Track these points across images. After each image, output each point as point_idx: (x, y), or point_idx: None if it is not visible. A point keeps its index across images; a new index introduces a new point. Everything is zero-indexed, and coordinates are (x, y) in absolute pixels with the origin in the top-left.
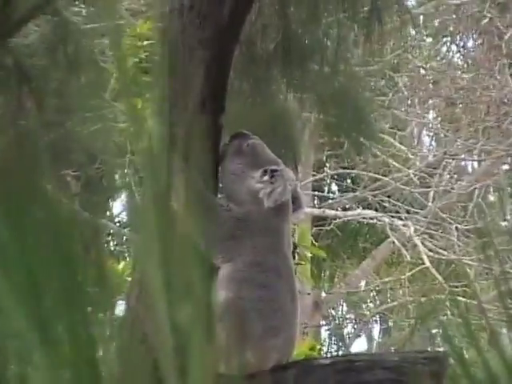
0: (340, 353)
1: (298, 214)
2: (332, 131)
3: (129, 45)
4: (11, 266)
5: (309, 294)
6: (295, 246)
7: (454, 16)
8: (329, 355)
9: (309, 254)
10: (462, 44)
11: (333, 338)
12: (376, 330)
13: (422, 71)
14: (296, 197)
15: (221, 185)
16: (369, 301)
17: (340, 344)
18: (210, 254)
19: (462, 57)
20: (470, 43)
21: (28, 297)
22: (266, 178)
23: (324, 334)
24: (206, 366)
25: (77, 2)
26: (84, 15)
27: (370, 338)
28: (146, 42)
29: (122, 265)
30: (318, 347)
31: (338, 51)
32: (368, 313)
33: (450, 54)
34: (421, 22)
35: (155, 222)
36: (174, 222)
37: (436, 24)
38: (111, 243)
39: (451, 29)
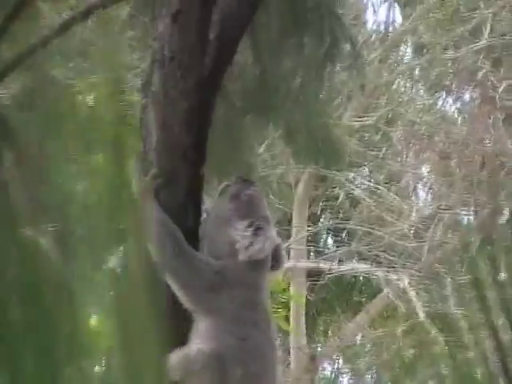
0: None
1: (274, 273)
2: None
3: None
4: None
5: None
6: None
7: (450, 70)
8: None
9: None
10: (456, 97)
11: None
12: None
13: (417, 126)
14: (277, 256)
15: (204, 227)
16: (364, 354)
17: None
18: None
19: (456, 110)
20: (466, 96)
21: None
22: (248, 231)
23: None
24: None
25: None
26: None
27: None
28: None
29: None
30: None
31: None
32: (363, 366)
33: (445, 107)
34: (415, 75)
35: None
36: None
37: (432, 77)
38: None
39: (447, 82)
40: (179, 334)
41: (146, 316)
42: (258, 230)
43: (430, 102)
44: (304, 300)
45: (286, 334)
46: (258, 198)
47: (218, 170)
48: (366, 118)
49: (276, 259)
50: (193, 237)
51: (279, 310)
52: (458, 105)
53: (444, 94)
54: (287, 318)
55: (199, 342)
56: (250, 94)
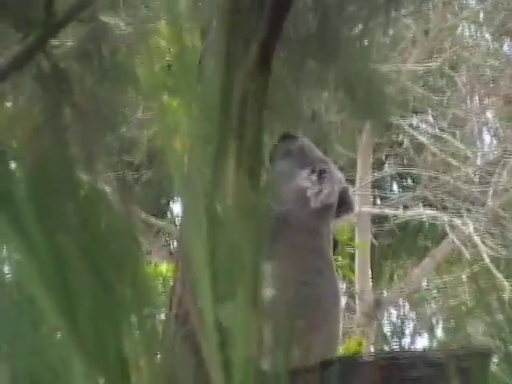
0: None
1: (346, 216)
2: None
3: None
4: (44, 262)
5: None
6: (336, 243)
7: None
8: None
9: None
10: None
11: (394, 337)
12: (438, 329)
13: (481, 70)
14: (345, 198)
15: (269, 186)
16: (430, 300)
17: (401, 342)
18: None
19: None
20: None
21: (59, 292)
22: (313, 177)
23: (386, 332)
24: (249, 360)
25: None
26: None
27: (431, 337)
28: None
29: (165, 266)
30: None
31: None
32: (429, 311)
33: (510, 51)
34: (481, 18)
35: (204, 221)
36: (221, 220)
37: (497, 22)
38: (171, 245)
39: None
40: None
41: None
42: (322, 174)
43: (495, 46)
44: (368, 247)
45: (351, 280)
46: (309, 146)
47: (277, 119)
48: (430, 63)
49: (344, 203)
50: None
51: (344, 260)
52: None
53: (509, 38)
54: (352, 265)
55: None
56: (310, 38)
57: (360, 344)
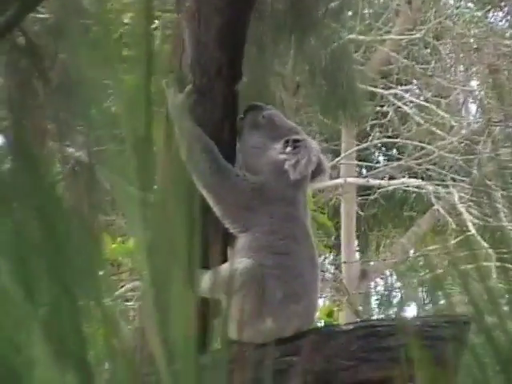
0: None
1: (321, 179)
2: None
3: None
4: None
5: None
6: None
7: None
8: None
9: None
10: (506, 10)
11: (381, 308)
12: (425, 298)
13: (465, 39)
14: (319, 163)
15: (240, 160)
16: (416, 270)
17: (389, 312)
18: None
19: (506, 23)
20: None
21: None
22: (288, 148)
23: (373, 303)
24: (188, 339)
25: None
26: None
27: (419, 306)
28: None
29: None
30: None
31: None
32: (416, 281)
33: (493, 20)
34: None
35: (138, 200)
36: (155, 199)
37: None
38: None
39: None
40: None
41: (179, 230)
42: (296, 145)
43: (479, 14)
44: (354, 218)
45: (338, 249)
46: (277, 115)
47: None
48: (414, 33)
49: (318, 166)
50: (229, 152)
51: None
52: (508, 17)
53: (492, 7)
54: (338, 235)
55: (238, 258)
56: (285, 12)
57: (331, 312)
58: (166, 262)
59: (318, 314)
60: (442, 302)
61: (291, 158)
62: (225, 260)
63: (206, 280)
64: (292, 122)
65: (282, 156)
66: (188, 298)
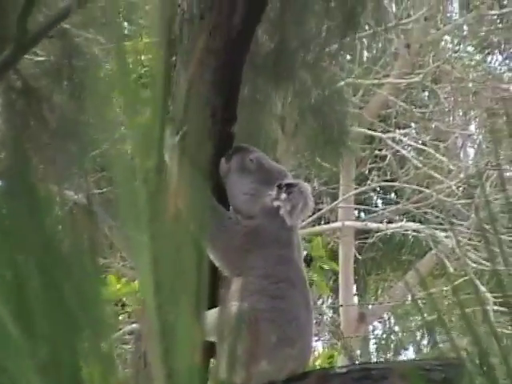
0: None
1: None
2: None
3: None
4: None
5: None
6: (311, 259)
7: (493, 27)
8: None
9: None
10: (505, 54)
11: (379, 351)
12: (423, 342)
13: (464, 83)
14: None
15: (231, 202)
16: (415, 313)
17: (387, 356)
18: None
19: (505, 67)
20: None
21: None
22: (283, 195)
23: (371, 346)
24: (193, 369)
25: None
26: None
27: (417, 350)
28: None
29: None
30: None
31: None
32: (414, 325)
33: (492, 64)
34: (464, 32)
35: (146, 223)
36: (163, 224)
37: (480, 34)
38: None
39: (495, 39)
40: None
41: (187, 264)
42: (289, 189)
43: (478, 58)
44: (352, 261)
45: (336, 293)
46: (264, 158)
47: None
48: (412, 77)
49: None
50: (222, 195)
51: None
52: (507, 61)
53: (491, 50)
54: (336, 278)
55: (232, 302)
56: (268, 60)
57: (332, 356)
58: (173, 296)
59: (319, 358)
60: (439, 345)
61: (286, 204)
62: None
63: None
64: (285, 165)
65: (277, 202)
66: (194, 332)
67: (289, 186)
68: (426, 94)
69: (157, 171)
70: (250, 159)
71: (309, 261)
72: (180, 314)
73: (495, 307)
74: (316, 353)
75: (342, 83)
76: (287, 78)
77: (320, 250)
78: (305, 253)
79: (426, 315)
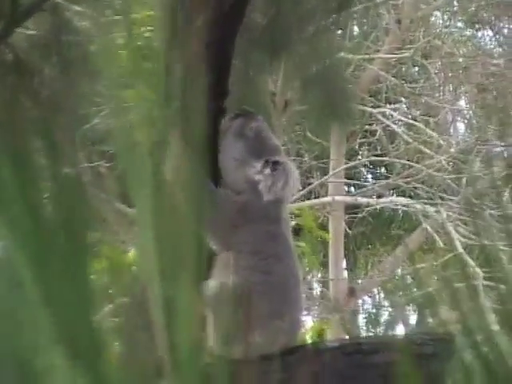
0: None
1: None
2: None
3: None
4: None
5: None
6: (300, 229)
7: (483, 2)
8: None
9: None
10: (496, 30)
11: (369, 326)
12: (412, 317)
13: (454, 58)
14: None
15: (220, 166)
16: (404, 288)
17: (377, 331)
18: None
19: (495, 43)
20: (505, 29)
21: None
22: (267, 170)
23: (361, 321)
24: (193, 343)
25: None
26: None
27: (406, 325)
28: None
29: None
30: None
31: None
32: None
33: (482, 39)
34: (454, 7)
35: (151, 203)
36: (168, 202)
37: (470, 10)
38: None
39: (485, 15)
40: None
41: (187, 236)
42: (275, 166)
43: (468, 34)
44: (342, 236)
45: (326, 267)
46: (264, 130)
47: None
48: (403, 51)
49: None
50: (215, 169)
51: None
52: (497, 36)
53: (481, 26)
54: (326, 253)
55: (221, 277)
56: (264, 33)
57: (322, 331)
58: (174, 270)
59: (309, 332)
60: (429, 320)
61: (267, 179)
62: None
63: None
64: (278, 138)
65: (258, 176)
66: (195, 306)
67: (275, 163)
68: (417, 69)
69: (161, 144)
70: (251, 127)
71: (298, 231)
72: (180, 289)
73: (485, 282)
74: (306, 326)
75: (341, 55)
76: (284, 53)
77: (310, 221)
78: (293, 223)
79: (415, 290)
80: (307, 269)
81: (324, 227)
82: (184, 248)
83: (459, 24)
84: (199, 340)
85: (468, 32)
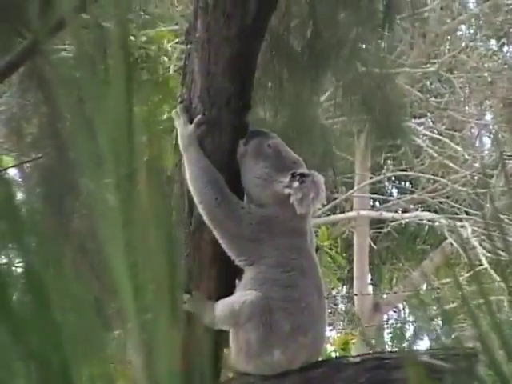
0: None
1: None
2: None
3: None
4: None
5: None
6: (317, 248)
7: (508, 16)
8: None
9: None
10: None
11: (394, 341)
12: (437, 332)
13: (479, 72)
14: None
15: (244, 186)
16: (430, 303)
17: (401, 345)
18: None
19: None
20: None
21: None
22: (295, 183)
23: (386, 336)
24: (174, 374)
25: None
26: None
27: (431, 340)
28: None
29: None
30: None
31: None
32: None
33: (509, 53)
34: (480, 21)
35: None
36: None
37: (496, 24)
38: None
39: (511, 30)
40: (227, 285)
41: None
42: (303, 179)
43: (494, 48)
44: (367, 251)
45: (351, 282)
46: (281, 145)
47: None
48: (428, 65)
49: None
50: (237, 184)
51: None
52: None
53: (507, 40)
54: (351, 268)
55: (243, 292)
56: (304, 46)
57: (346, 343)
58: (150, 300)
59: (333, 345)
60: (454, 335)
61: (297, 192)
62: (231, 293)
63: (214, 311)
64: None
65: (288, 190)
66: (173, 335)
67: (302, 175)
68: (442, 83)
69: (129, 178)
70: (268, 145)
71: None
72: (158, 321)
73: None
74: (330, 341)
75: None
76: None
77: (324, 239)
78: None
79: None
80: (330, 285)
81: (349, 242)
82: (160, 279)
83: (485, 38)
84: (178, 370)
85: (493, 46)
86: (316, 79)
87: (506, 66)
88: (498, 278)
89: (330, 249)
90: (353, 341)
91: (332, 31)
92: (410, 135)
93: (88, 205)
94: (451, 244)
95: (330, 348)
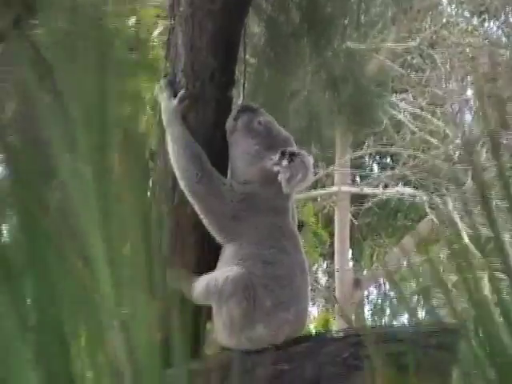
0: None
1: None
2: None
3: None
4: None
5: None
6: (302, 225)
7: None
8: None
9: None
10: (502, 20)
11: (375, 316)
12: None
13: (461, 48)
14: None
15: (231, 161)
16: (410, 278)
17: (382, 322)
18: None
19: (502, 32)
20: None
21: None
22: (284, 162)
23: (366, 311)
24: (152, 345)
25: None
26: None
27: (412, 316)
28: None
29: None
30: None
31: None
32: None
33: (490, 29)
34: None
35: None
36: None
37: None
38: None
39: (492, 5)
40: (209, 260)
41: (138, 241)
42: (292, 157)
43: (475, 23)
44: (347, 227)
45: (331, 258)
46: (272, 123)
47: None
48: (409, 40)
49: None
50: (220, 159)
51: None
52: (503, 27)
53: (488, 15)
54: (332, 243)
55: (225, 268)
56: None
57: (327, 321)
58: (127, 272)
59: (314, 323)
60: (435, 311)
61: (286, 171)
62: (213, 269)
63: (197, 287)
64: (286, 130)
65: (277, 168)
66: (151, 307)
67: (292, 154)
68: (423, 59)
69: (102, 149)
70: (259, 121)
71: (300, 226)
72: (135, 295)
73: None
74: (312, 317)
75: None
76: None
77: (310, 216)
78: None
79: (420, 281)
80: (311, 261)
81: (330, 218)
82: (136, 251)
83: (466, 14)
84: (157, 342)
85: (475, 22)
86: (297, 53)
87: (487, 42)
88: (478, 254)
89: (312, 224)
90: (334, 317)
91: (313, 6)
92: (380, 115)
93: (62, 180)
94: (432, 220)
95: (310, 326)
